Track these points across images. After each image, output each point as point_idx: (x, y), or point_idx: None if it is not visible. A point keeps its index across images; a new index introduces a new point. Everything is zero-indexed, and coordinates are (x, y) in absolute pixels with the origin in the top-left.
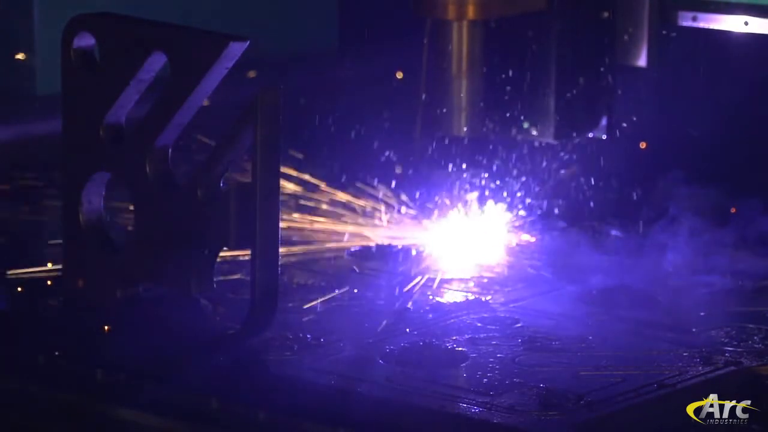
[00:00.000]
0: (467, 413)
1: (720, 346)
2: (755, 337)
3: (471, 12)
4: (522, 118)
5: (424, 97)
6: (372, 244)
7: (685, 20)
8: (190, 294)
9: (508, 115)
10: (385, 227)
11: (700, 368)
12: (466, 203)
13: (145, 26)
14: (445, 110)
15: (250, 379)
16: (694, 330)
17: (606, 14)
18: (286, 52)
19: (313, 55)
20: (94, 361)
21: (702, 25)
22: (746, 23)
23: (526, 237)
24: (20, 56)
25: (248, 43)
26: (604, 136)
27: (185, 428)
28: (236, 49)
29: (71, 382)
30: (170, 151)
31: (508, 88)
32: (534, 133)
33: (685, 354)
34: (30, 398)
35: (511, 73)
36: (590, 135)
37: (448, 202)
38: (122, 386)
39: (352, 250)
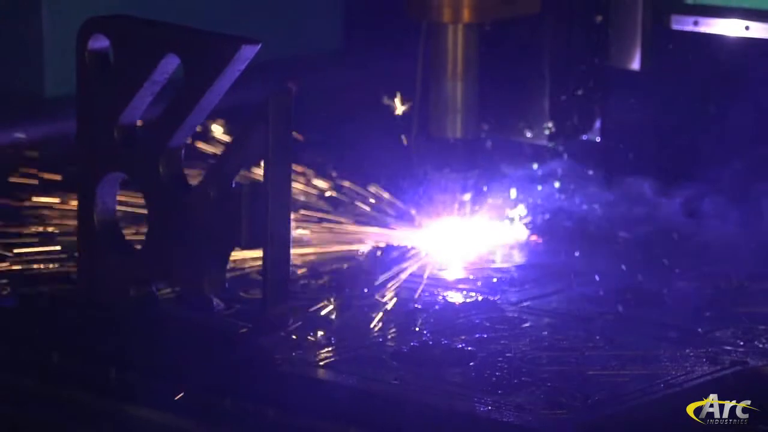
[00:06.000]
0: (476, 412)
1: (726, 347)
2: (762, 338)
3: (466, 15)
4: (516, 120)
5: (418, 99)
6: (381, 244)
7: (686, 24)
8: (202, 293)
9: (502, 117)
10: (389, 229)
11: (707, 368)
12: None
13: (159, 29)
14: (440, 113)
15: (261, 378)
16: (700, 330)
17: (599, 18)
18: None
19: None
20: (106, 359)
21: (703, 29)
22: (747, 28)
23: (534, 237)
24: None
25: (260, 45)
26: (598, 139)
27: (197, 426)
28: (248, 52)
29: (84, 380)
30: (183, 152)
31: (503, 90)
32: (528, 135)
33: (691, 354)
34: (41, 397)
35: (505, 75)
36: (584, 138)
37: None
38: (135, 384)
39: (360, 252)
